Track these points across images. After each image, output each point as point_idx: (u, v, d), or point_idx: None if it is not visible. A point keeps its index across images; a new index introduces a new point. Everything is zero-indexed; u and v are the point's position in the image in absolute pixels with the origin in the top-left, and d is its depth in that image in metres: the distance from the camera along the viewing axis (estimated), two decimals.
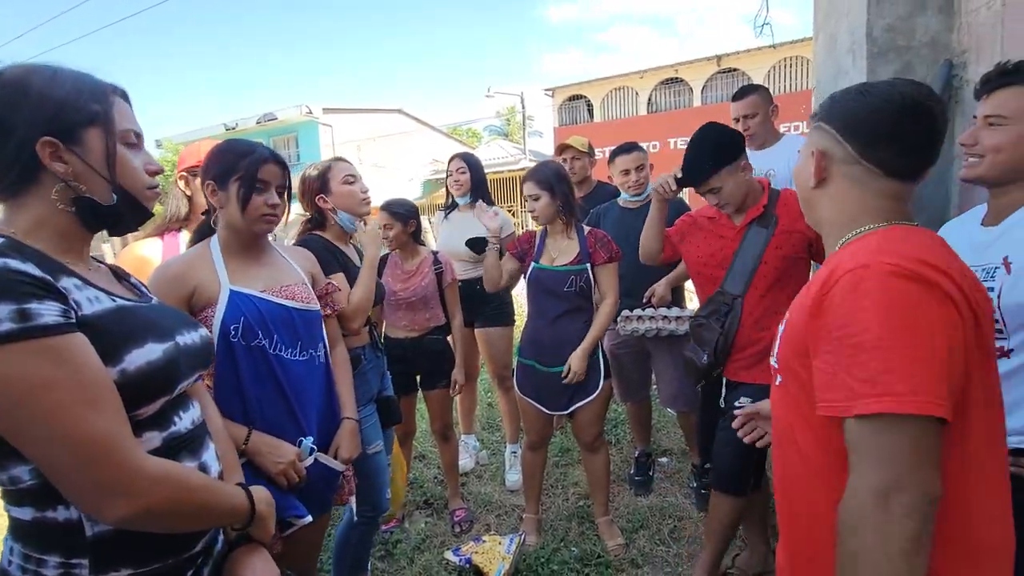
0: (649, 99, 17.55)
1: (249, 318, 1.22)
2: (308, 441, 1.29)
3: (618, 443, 3.16)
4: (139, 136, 0.84)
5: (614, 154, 2.50)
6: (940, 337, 0.70)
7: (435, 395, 2.46)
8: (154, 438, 0.79)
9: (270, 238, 1.39)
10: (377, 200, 2.48)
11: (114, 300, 0.79)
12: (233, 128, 20.92)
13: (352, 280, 1.72)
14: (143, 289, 0.93)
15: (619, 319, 2.39)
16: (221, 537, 0.91)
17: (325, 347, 1.40)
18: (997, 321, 1.05)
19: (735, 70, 16.00)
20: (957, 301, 0.72)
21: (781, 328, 0.92)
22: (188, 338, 0.86)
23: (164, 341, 0.80)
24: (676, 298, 2.49)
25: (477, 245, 2.25)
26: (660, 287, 2.37)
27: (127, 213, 0.83)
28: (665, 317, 2.34)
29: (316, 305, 1.36)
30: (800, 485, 0.86)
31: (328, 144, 19.26)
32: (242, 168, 1.22)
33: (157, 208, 1.05)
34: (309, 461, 1.29)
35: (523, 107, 19.27)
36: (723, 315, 1.80)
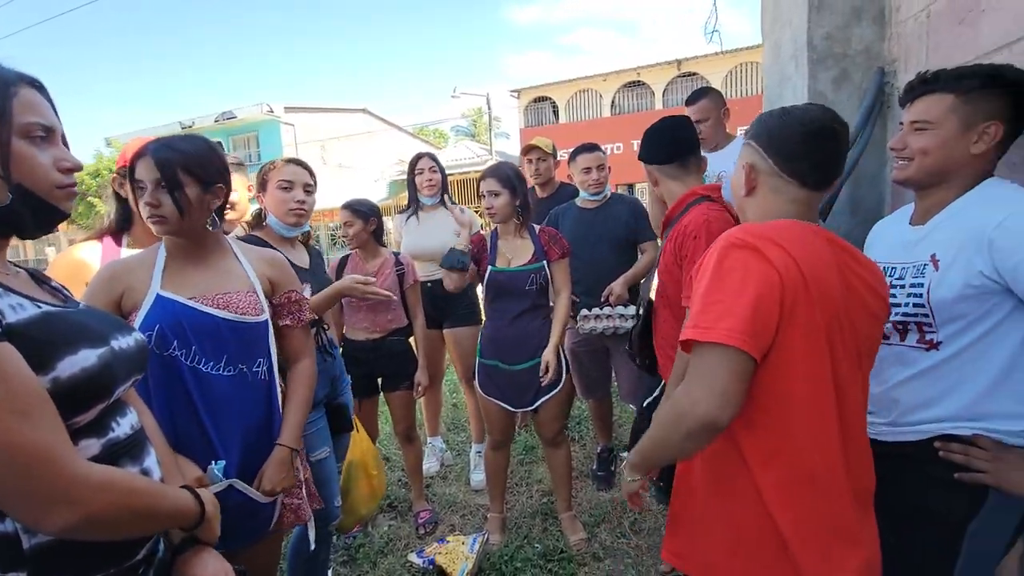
0: (613, 101, 17.84)
1: (164, 326, 1.15)
2: (216, 466, 1.17)
3: (581, 440, 3.21)
4: (49, 129, 0.79)
5: (575, 152, 2.55)
6: (751, 287, 0.88)
7: (397, 397, 2.45)
8: (92, 445, 0.77)
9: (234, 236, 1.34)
10: (342, 200, 2.46)
11: (39, 306, 0.76)
12: (190, 127, 20.16)
13: None
14: (66, 293, 0.89)
15: (578, 318, 2.43)
16: (162, 545, 0.89)
17: (271, 362, 1.29)
18: (928, 315, 1.11)
19: (695, 74, 16.45)
20: (776, 263, 0.89)
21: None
22: (123, 342, 0.84)
23: (98, 346, 0.78)
24: (633, 296, 2.55)
25: (454, 262, 2.22)
26: (617, 286, 2.42)
27: (27, 214, 0.77)
28: (622, 315, 2.40)
29: (259, 316, 1.26)
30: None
31: (290, 143, 18.82)
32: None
33: (102, 208, 1.02)
34: (220, 487, 1.16)
35: (489, 108, 19.27)
36: (640, 315, 1.82)
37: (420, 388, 2.41)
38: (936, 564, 1.09)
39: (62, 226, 0.93)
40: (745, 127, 1.15)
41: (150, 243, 1.49)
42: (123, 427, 0.83)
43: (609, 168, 2.58)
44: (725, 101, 2.59)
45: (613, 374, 2.76)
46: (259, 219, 1.82)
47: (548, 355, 2.09)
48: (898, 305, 1.16)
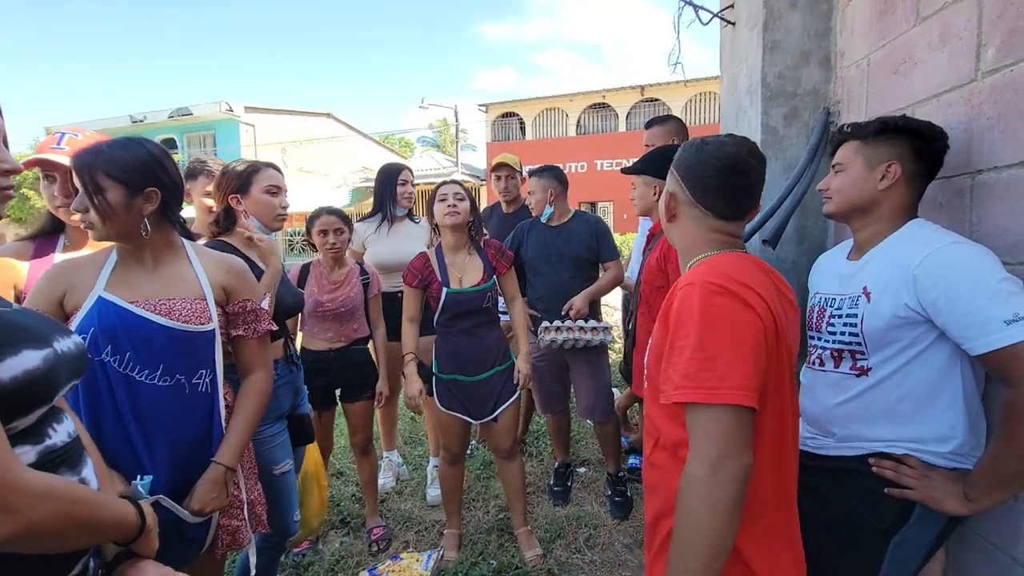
0: (578, 121, 18.27)
1: (99, 329, 1.11)
2: (141, 482, 1.10)
3: (539, 455, 3.23)
4: None
5: (530, 173, 2.65)
6: (745, 337, 0.87)
7: (358, 407, 2.41)
8: (28, 452, 0.73)
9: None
10: (302, 205, 2.40)
11: None
12: (141, 121, 19.31)
13: None
14: None
15: (539, 331, 2.47)
16: (93, 561, 0.85)
17: (215, 374, 1.24)
18: (861, 344, 1.21)
19: (657, 100, 17.09)
20: (758, 309, 0.89)
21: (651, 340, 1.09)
22: (64, 345, 0.81)
23: (42, 348, 0.75)
24: (594, 312, 2.60)
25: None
26: (577, 300, 2.47)
27: None
28: (582, 328, 2.44)
29: (204, 325, 1.21)
30: (665, 471, 1.01)
31: (250, 144, 18.28)
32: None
33: (37, 202, 1.00)
34: (145, 503, 1.10)
35: (456, 120, 19.36)
36: (627, 322, 1.96)
37: (382, 397, 2.39)
38: (861, 569, 1.17)
39: None
40: None
41: (84, 245, 1.43)
42: (60, 434, 0.79)
43: (552, 193, 2.57)
44: (686, 131, 2.70)
45: (572, 389, 2.80)
46: (225, 225, 1.72)
47: (522, 365, 2.17)
48: (834, 334, 1.26)
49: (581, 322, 2.46)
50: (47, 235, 1.49)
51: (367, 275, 2.40)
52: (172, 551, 1.17)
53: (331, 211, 2.33)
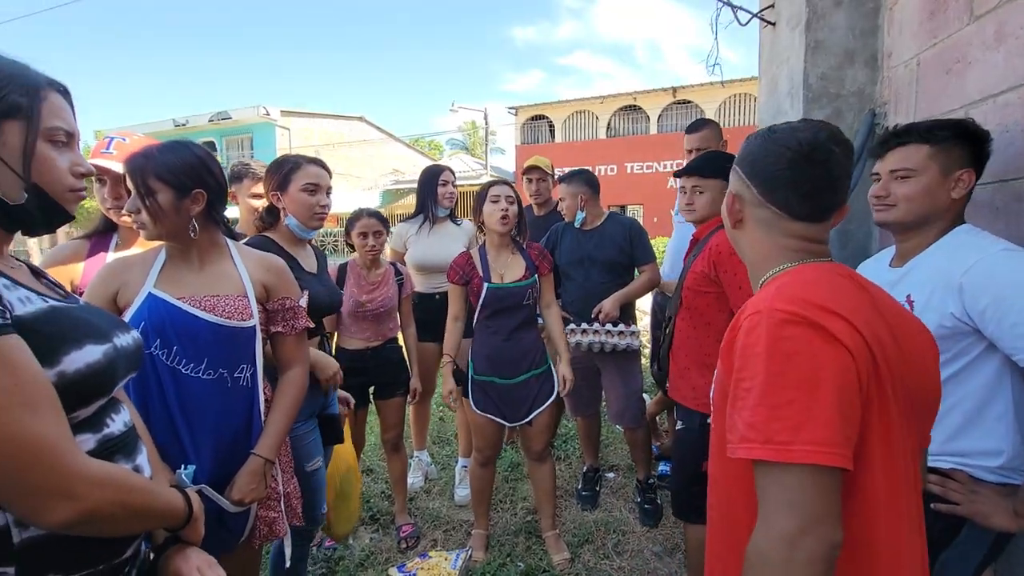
0: (608, 124, 18.15)
1: (149, 324, 1.15)
2: (185, 470, 1.14)
3: (568, 458, 3.21)
4: (71, 135, 0.80)
5: (560, 179, 2.64)
6: (828, 380, 0.68)
7: (392, 404, 2.45)
8: (88, 440, 0.77)
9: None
10: (334, 207, 2.45)
11: (46, 300, 0.77)
12: (183, 125, 20.10)
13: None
14: (64, 289, 0.90)
15: (566, 332, 2.46)
16: (143, 545, 0.89)
17: (255, 368, 1.27)
18: None
19: (689, 102, 16.83)
20: (846, 340, 0.70)
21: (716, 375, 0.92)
22: (123, 340, 0.85)
23: (103, 343, 0.79)
24: (627, 316, 2.58)
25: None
26: (607, 303, 2.45)
27: (39, 214, 0.79)
28: (609, 331, 2.42)
29: (246, 321, 1.25)
30: (722, 522, 0.87)
31: (285, 147, 18.82)
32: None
33: (88, 203, 1.05)
34: (189, 491, 1.15)
35: (486, 123, 19.47)
36: (662, 328, 1.92)
37: (416, 394, 2.45)
38: None
39: None
40: None
41: (134, 244, 1.50)
42: (117, 424, 0.83)
43: (582, 198, 2.54)
44: (723, 134, 2.66)
45: (603, 393, 2.77)
46: (270, 221, 1.76)
47: (565, 370, 2.18)
48: None
49: (609, 326, 2.44)
50: (100, 235, 1.57)
51: (401, 275, 2.45)
52: (213, 539, 1.19)
53: (371, 213, 2.37)
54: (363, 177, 21.16)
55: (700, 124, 2.64)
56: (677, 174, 1.93)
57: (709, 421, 1.24)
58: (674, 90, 16.96)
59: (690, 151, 2.59)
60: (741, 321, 0.78)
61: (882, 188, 1.26)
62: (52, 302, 0.77)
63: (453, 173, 2.87)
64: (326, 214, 1.78)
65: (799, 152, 0.82)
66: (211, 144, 19.67)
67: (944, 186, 1.17)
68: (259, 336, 1.29)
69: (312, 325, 1.45)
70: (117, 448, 0.81)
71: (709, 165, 1.82)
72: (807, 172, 0.82)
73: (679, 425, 1.86)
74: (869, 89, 2.06)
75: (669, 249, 2.85)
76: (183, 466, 1.15)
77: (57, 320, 0.75)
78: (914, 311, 1.15)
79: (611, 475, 2.98)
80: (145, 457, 0.89)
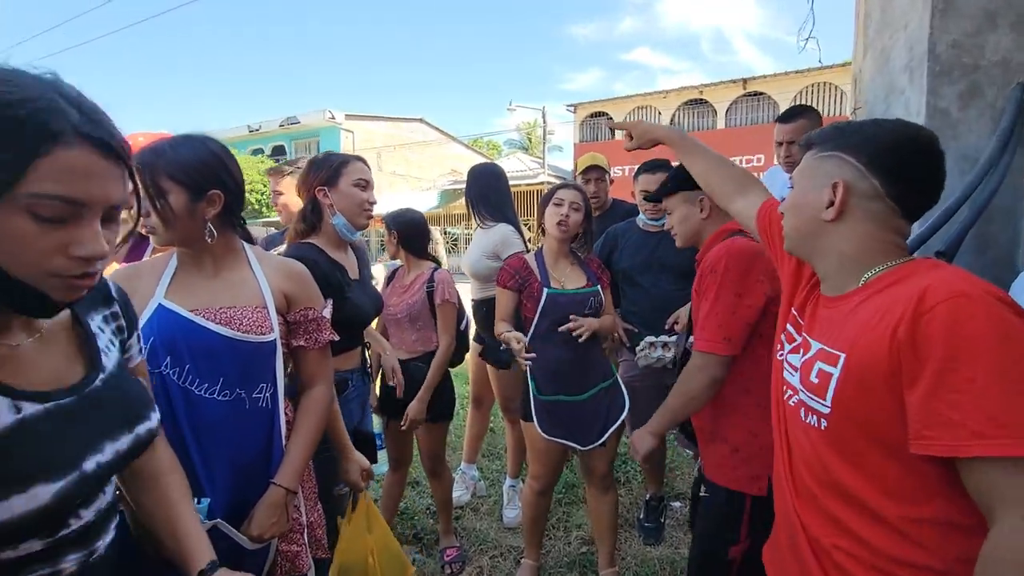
0: (672, 119, 17.42)
1: (158, 339, 1.02)
2: (198, 504, 1.02)
3: (628, 482, 2.93)
4: (77, 205, 0.57)
5: (638, 171, 2.31)
6: None
7: (421, 429, 2.19)
8: (34, 544, 0.62)
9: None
10: (395, 207, 2.34)
11: (17, 410, 0.60)
12: (257, 130, 21.24)
13: (341, 297, 1.52)
14: (102, 358, 0.73)
15: (638, 348, 2.18)
16: None
17: (276, 388, 1.14)
18: None
19: (761, 93, 15.81)
20: None
21: (821, 367, 0.84)
22: (114, 447, 0.69)
23: (60, 478, 0.61)
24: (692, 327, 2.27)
25: (496, 358, 2.10)
26: (684, 313, 2.15)
27: (8, 298, 0.58)
28: (652, 344, 2.13)
29: (266, 335, 1.11)
30: (850, 531, 0.81)
31: (349, 149, 19.40)
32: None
33: None
34: (203, 527, 1.02)
35: (544, 121, 19.25)
36: (681, 361, 1.58)
37: (406, 420, 2.05)
38: None
39: None
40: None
41: (168, 249, 1.38)
42: (87, 515, 0.68)
43: None
44: (822, 123, 2.28)
45: None
46: (311, 222, 1.62)
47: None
48: None
49: (692, 338, 2.14)
50: (138, 239, 1.49)
51: (433, 283, 2.17)
52: None
53: (383, 216, 2.25)
54: (422, 178, 21.50)
55: (796, 113, 2.27)
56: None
57: (743, 493, 1.36)
58: (744, 81, 15.99)
59: (780, 143, 2.25)
60: (930, 306, 0.71)
61: None
62: (28, 412, 0.60)
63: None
64: (372, 212, 1.65)
65: (922, 144, 0.82)
66: (281, 148, 20.68)
67: None
68: (280, 351, 1.15)
69: (337, 338, 1.30)
70: (73, 541, 0.67)
71: (671, 183, 1.59)
72: (930, 167, 0.83)
73: (704, 491, 1.50)
74: (1017, 58, 1.67)
75: None
76: (196, 500, 1.02)
77: (9, 449, 0.58)
78: None
79: (677, 504, 2.68)
80: (111, 539, 0.74)
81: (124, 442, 0.71)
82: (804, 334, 0.92)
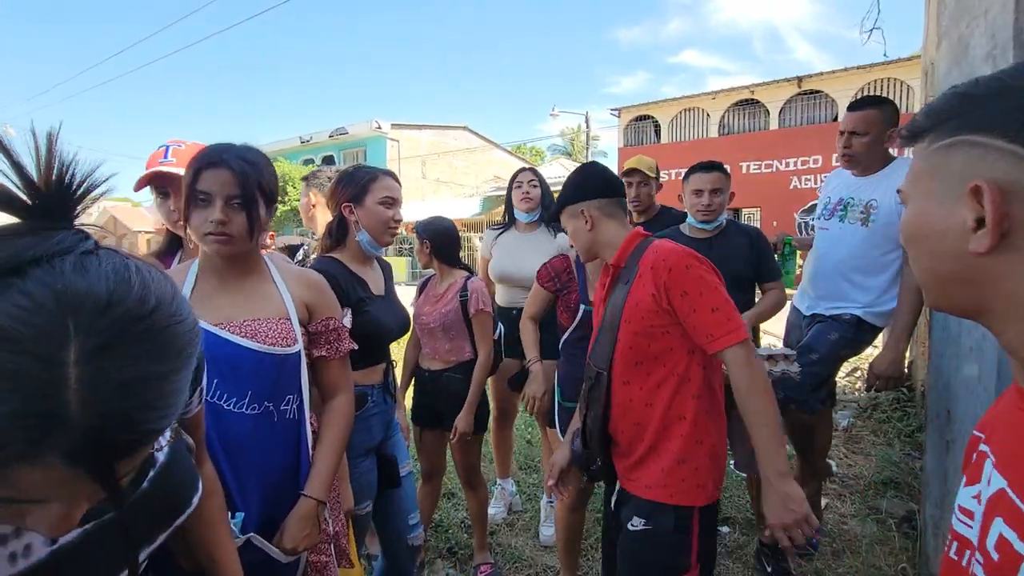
0: (721, 121, 16.88)
1: None
2: (233, 520, 1.02)
3: None
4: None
5: (691, 170, 2.19)
6: None
7: (443, 439, 2.19)
8: None
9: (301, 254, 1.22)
10: (443, 213, 2.32)
11: (51, 544, 0.55)
12: (308, 141, 22.09)
13: (360, 311, 1.49)
14: (155, 454, 0.68)
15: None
16: None
17: (302, 399, 1.14)
18: None
19: (818, 92, 15.07)
20: None
21: (989, 494, 0.49)
22: (158, 536, 0.68)
23: None
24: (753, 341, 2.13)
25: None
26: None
27: None
28: (771, 357, 1.97)
29: (291, 347, 1.11)
30: None
31: (395, 158, 19.89)
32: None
33: None
34: (237, 542, 1.02)
35: (587, 126, 19.09)
36: (588, 392, 1.42)
37: (455, 433, 2.05)
38: None
39: None
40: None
41: None
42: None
43: (732, 194, 2.20)
44: (899, 118, 2.06)
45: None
46: (338, 237, 1.61)
47: None
48: None
49: (759, 350, 2.00)
50: (165, 254, 1.50)
51: (467, 292, 2.12)
52: None
53: (414, 225, 2.22)
54: (465, 185, 21.73)
55: (867, 102, 2.05)
56: (552, 217, 1.81)
57: (691, 507, 1.28)
58: (799, 80, 15.27)
59: (842, 133, 2.07)
60: None
61: None
62: (63, 542, 0.56)
63: (532, 172, 2.55)
64: (397, 230, 1.63)
65: None
66: (330, 158, 21.39)
67: None
68: (304, 362, 1.14)
69: (356, 347, 1.29)
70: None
71: (573, 193, 1.46)
72: None
73: (636, 523, 1.31)
74: None
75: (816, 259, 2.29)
76: (231, 515, 1.02)
77: None
78: None
79: (725, 530, 2.51)
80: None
81: (167, 529, 0.69)
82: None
